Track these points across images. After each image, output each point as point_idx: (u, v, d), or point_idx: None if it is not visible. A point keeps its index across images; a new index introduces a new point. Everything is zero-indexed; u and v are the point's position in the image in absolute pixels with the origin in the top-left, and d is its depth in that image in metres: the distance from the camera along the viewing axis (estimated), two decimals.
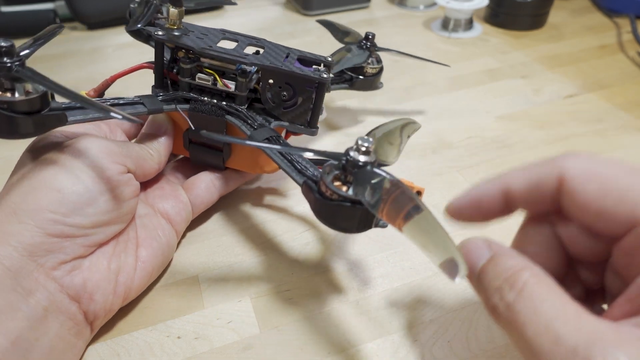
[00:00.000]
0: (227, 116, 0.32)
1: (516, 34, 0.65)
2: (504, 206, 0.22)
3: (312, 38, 0.63)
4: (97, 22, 0.64)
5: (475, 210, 0.23)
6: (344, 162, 0.23)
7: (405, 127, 0.33)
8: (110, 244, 0.28)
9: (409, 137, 0.33)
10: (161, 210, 0.32)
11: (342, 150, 0.24)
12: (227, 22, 0.68)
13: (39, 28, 0.29)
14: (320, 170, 0.28)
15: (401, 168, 0.41)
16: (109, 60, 0.58)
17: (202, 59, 0.32)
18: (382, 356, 0.28)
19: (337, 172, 0.24)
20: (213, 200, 0.35)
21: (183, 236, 0.35)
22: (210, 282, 0.32)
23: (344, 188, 0.23)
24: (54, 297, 0.24)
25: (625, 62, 0.58)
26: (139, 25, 0.33)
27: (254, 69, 0.32)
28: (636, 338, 0.16)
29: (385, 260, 0.33)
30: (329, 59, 0.34)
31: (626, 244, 0.19)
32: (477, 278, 0.20)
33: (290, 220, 0.36)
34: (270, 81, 0.32)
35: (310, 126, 0.34)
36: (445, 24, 0.65)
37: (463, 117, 0.48)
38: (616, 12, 0.69)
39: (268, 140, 0.30)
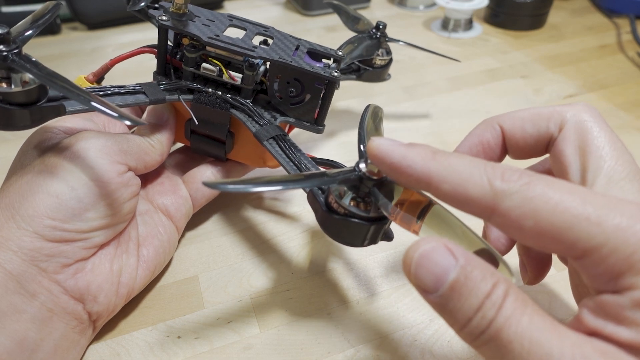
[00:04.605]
0: (232, 110, 0.31)
1: (516, 34, 0.65)
2: (425, 189, 0.19)
3: (312, 38, 0.63)
4: (97, 22, 0.64)
5: (391, 174, 0.20)
6: (358, 178, 0.22)
7: (375, 117, 0.31)
8: (111, 244, 0.28)
9: (381, 119, 0.31)
10: (161, 206, 0.31)
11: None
12: None
13: None
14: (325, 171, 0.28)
15: None
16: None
17: (208, 48, 0.30)
18: (381, 356, 0.28)
19: (346, 188, 0.22)
20: (214, 194, 0.34)
21: (183, 236, 0.35)
22: (210, 282, 0.32)
23: (352, 202, 0.22)
24: (58, 299, 0.24)
25: (625, 62, 0.58)
26: (142, 4, 0.32)
27: (260, 61, 0.31)
28: (610, 352, 0.16)
29: (385, 260, 0.33)
30: (340, 52, 0.32)
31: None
32: (445, 295, 0.17)
33: (290, 221, 0.36)
34: (279, 76, 0.31)
35: (317, 124, 0.33)
36: (445, 24, 0.65)
37: (463, 117, 0.48)
38: (616, 12, 0.69)
39: (274, 139, 0.29)
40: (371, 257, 0.34)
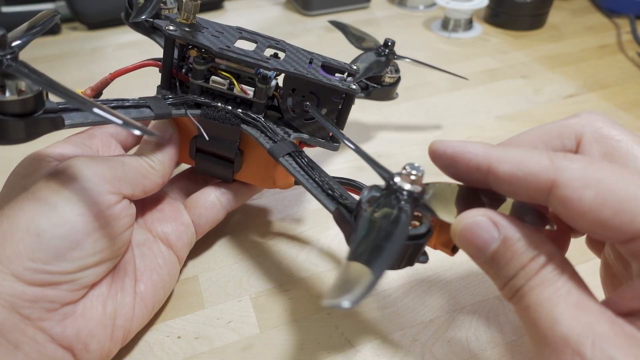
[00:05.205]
0: (243, 125, 0.29)
1: (516, 34, 0.65)
2: (482, 179, 0.20)
3: (312, 38, 0.63)
4: (97, 22, 0.64)
5: (450, 165, 0.20)
6: (409, 199, 0.20)
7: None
8: (104, 283, 0.25)
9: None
10: (160, 235, 0.29)
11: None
12: (227, 22, 0.68)
13: None
14: (347, 191, 0.26)
15: None
16: (109, 60, 0.58)
17: (218, 60, 0.28)
18: (381, 356, 0.28)
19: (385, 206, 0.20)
20: (219, 219, 0.32)
21: None
22: (210, 282, 0.32)
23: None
24: (44, 348, 0.22)
25: (625, 62, 0.58)
26: (144, 17, 0.29)
27: (273, 74, 0.28)
28: (632, 336, 0.16)
29: None
30: (354, 67, 0.31)
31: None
32: (487, 262, 0.19)
33: (291, 220, 0.36)
34: (290, 92, 0.29)
35: (333, 140, 0.31)
36: (445, 24, 0.65)
37: (463, 117, 0.48)
38: (616, 12, 0.69)
39: (290, 155, 0.27)
40: None
